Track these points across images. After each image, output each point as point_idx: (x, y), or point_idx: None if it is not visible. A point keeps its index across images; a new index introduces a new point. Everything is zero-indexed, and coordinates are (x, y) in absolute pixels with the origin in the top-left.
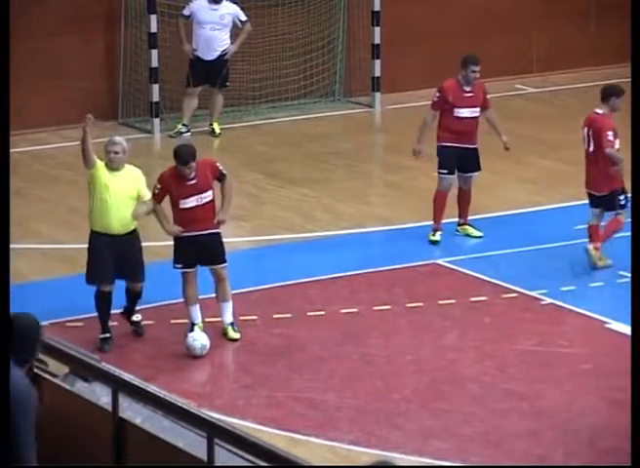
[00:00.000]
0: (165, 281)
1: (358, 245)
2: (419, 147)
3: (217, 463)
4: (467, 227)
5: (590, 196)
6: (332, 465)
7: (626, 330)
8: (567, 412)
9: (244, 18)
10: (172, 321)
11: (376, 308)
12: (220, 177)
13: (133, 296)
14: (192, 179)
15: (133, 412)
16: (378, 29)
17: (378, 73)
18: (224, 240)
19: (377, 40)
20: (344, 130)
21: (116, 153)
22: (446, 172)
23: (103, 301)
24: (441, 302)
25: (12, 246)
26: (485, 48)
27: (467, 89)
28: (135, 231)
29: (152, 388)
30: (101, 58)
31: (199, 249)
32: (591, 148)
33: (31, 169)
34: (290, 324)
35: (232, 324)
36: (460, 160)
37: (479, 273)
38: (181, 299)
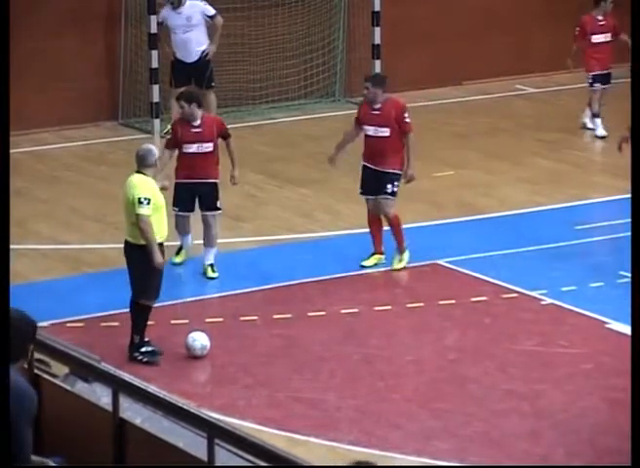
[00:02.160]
0: (165, 282)
1: (358, 245)
2: (333, 154)
3: (217, 463)
4: (376, 257)
5: None
6: (329, 465)
7: (627, 329)
8: (567, 412)
9: (211, 12)
10: (172, 321)
11: (376, 308)
12: (225, 135)
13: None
14: (197, 127)
15: (133, 413)
16: (378, 29)
17: None
18: (224, 240)
19: (377, 40)
20: (345, 130)
21: None
22: (360, 191)
23: (148, 315)
24: (441, 302)
25: (12, 246)
26: (485, 48)
27: (375, 107)
28: None
29: (152, 388)
30: (102, 58)
31: (196, 195)
32: None
33: (32, 169)
34: (290, 324)
35: (212, 265)
36: (371, 181)
37: (479, 273)
38: (181, 300)
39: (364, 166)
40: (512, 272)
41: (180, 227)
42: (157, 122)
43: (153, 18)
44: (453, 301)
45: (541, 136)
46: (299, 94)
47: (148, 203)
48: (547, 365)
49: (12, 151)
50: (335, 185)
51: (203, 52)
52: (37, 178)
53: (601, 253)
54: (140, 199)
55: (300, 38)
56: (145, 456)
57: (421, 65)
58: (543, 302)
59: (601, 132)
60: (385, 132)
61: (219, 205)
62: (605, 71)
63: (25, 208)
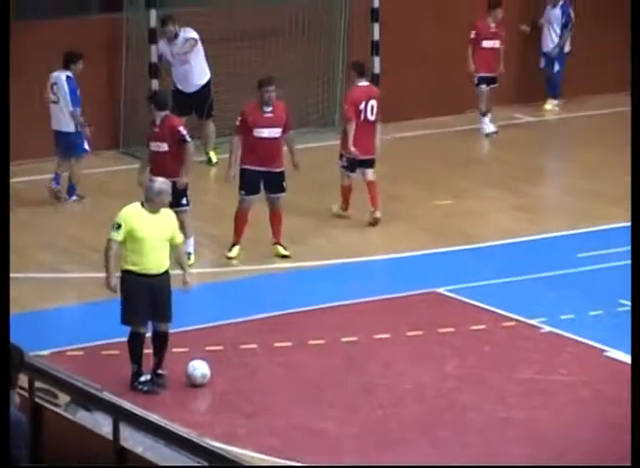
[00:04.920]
0: None
1: (358, 273)
2: (229, 174)
3: None
4: (277, 247)
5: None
6: None
7: (625, 357)
8: (566, 440)
9: (191, 36)
10: (172, 350)
11: (376, 336)
12: (181, 141)
13: (162, 339)
14: (156, 127)
15: (134, 442)
16: (377, 59)
17: None
18: (218, 270)
19: (376, 70)
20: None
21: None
22: (244, 193)
23: (140, 343)
24: (441, 331)
25: (12, 275)
26: None
27: (267, 109)
28: (167, 271)
29: (153, 417)
30: (102, 88)
31: None
32: (374, 117)
33: (33, 198)
34: (290, 352)
35: (189, 253)
36: (259, 182)
37: (478, 301)
38: (181, 329)
39: (247, 169)
40: (511, 300)
41: None
42: None
43: (154, 47)
44: (452, 329)
45: (532, 163)
46: (298, 123)
47: (118, 228)
48: (546, 392)
49: (12, 181)
50: (330, 213)
51: (204, 83)
52: (38, 207)
53: (600, 281)
54: (113, 223)
55: (301, 68)
56: None
57: (421, 94)
58: (542, 330)
59: (490, 128)
60: (277, 133)
61: (183, 202)
62: (490, 74)
63: (26, 236)
